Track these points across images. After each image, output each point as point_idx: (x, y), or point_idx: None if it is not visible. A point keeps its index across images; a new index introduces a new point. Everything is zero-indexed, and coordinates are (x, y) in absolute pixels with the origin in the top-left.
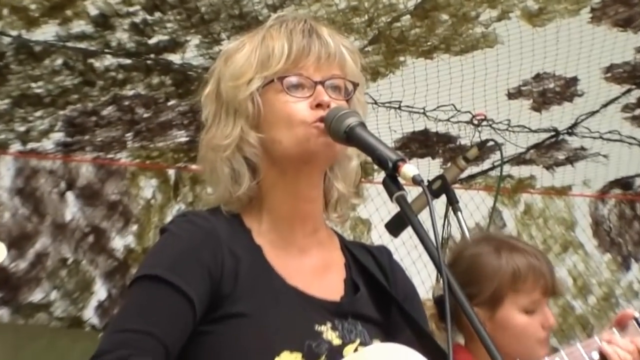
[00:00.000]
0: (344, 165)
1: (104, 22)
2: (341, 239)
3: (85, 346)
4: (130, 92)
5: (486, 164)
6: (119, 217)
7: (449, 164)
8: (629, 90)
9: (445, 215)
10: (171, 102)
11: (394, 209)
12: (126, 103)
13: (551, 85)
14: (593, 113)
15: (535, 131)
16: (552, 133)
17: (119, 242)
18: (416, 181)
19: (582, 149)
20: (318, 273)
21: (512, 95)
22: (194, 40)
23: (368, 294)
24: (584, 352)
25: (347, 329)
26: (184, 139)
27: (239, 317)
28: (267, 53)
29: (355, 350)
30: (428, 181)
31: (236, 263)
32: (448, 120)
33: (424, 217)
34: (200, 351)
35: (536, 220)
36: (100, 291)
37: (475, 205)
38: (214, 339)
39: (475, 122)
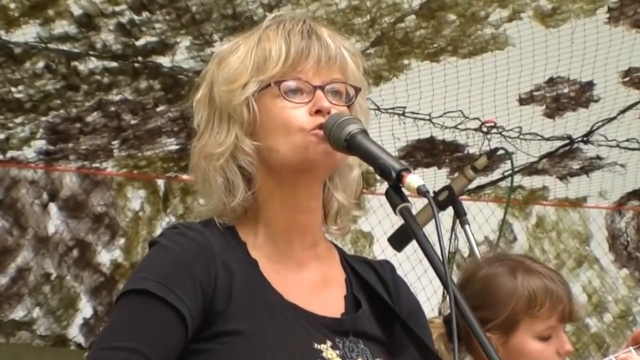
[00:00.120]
0: (344, 175)
1: (88, 22)
2: (341, 253)
3: None
4: (117, 97)
5: (496, 174)
6: (105, 230)
7: (456, 174)
8: None
9: (452, 229)
10: (160, 108)
11: (398, 221)
12: (112, 109)
13: (565, 90)
14: (610, 120)
15: (548, 139)
16: (566, 141)
17: (105, 257)
18: (421, 192)
19: (598, 158)
20: (317, 289)
21: (524, 100)
22: (185, 41)
23: (370, 310)
24: None
25: (348, 348)
26: (174, 147)
27: (234, 335)
28: (263, 55)
29: None
30: (434, 192)
31: (230, 278)
32: (455, 127)
33: (429, 230)
34: None
35: (549, 233)
36: (85, 308)
37: (484, 218)
38: (206, 358)
39: (485, 129)
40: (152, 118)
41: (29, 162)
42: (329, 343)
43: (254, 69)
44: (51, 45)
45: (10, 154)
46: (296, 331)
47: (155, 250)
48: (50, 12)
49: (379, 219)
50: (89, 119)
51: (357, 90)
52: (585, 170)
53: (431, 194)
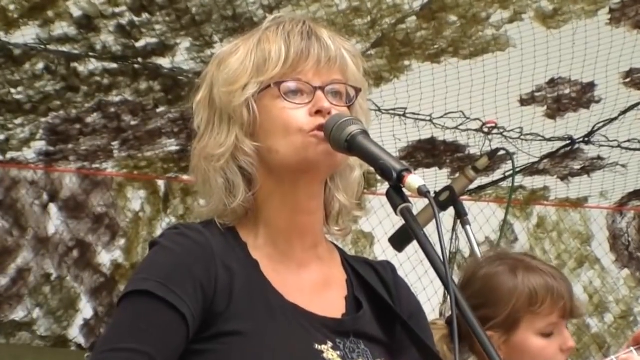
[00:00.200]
0: (345, 176)
1: (87, 23)
2: (342, 253)
3: None
4: (117, 98)
5: (497, 175)
6: (105, 230)
7: (457, 175)
8: None
9: (453, 229)
10: (160, 109)
11: (399, 222)
12: (112, 110)
13: (567, 91)
14: (611, 120)
15: (549, 140)
16: (567, 142)
17: (105, 257)
18: (422, 192)
19: (599, 158)
20: (318, 289)
21: (525, 101)
22: (185, 43)
23: (371, 311)
24: None
25: (349, 348)
26: (174, 148)
27: (234, 336)
28: (263, 57)
29: None
30: (435, 192)
31: (231, 278)
32: (456, 128)
33: (430, 230)
34: None
35: (550, 233)
36: (85, 309)
37: (485, 218)
38: (207, 359)
39: (486, 130)
40: (152, 119)
41: (29, 163)
42: (329, 344)
43: (254, 70)
44: (51, 47)
45: (10, 154)
46: (297, 332)
47: (156, 251)
48: (50, 13)
49: (380, 220)
50: (89, 120)
51: (358, 91)
52: (587, 170)
53: (432, 195)
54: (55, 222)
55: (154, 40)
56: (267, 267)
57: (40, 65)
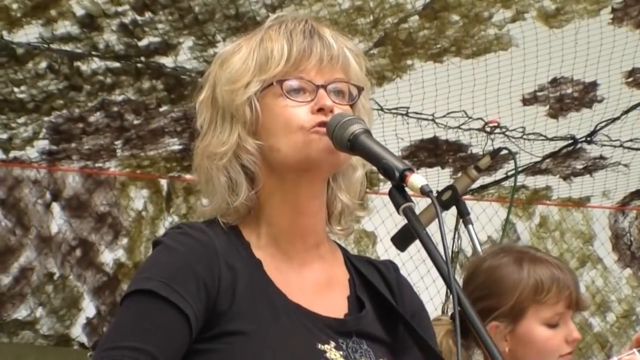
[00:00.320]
0: (348, 176)
1: (90, 22)
2: (345, 253)
3: None
4: (120, 98)
5: (499, 174)
6: (108, 229)
7: (459, 174)
8: None
9: (456, 228)
10: (163, 108)
11: (401, 221)
12: (115, 109)
13: (569, 91)
14: (613, 120)
15: (551, 139)
16: (570, 141)
17: (108, 256)
18: (424, 192)
19: (602, 158)
20: (320, 289)
21: (527, 101)
22: (187, 42)
23: (374, 311)
24: None
25: (352, 348)
26: (176, 147)
27: (237, 335)
28: (265, 55)
29: None
30: (437, 192)
31: (234, 278)
32: (459, 127)
33: (432, 230)
34: None
35: (552, 233)
36: (88, 308)
37: (487, 218)
38: (210, 358)
39: (488, 129)
40: (155, 118)
41: (32, 162)
42: (332, 344)
43: (256, 69)
44: (54, 46)
45: (13, 153)
46: (300, 332)
47: (159, 250)
48: (53, 12)
49: (382, 219)
50: (92, 119)
51: (360, 89)
52: (589, 170)
53: (434, 194)
54: (58, 221)
55: (156, 39)
56: (270, 267)
57: (43, 64)
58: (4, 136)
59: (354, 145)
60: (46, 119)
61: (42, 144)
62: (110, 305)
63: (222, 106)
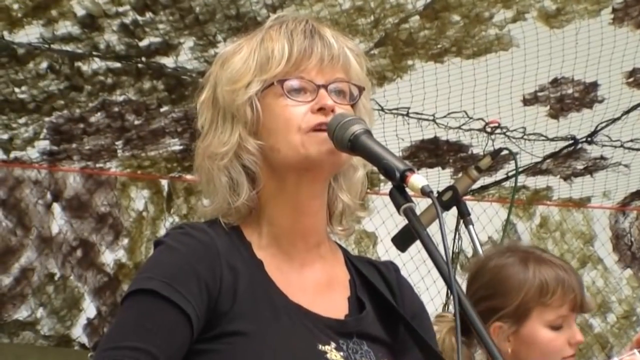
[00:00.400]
0: (349, 176)
1: (91, 22)
2: (345, 253)
3: None
4: (120, 98)
5: (500, 174)
6: (109, 230)
7: (460, 174)
8: None
9: (456, 229)
10: (164, 109)
11: (401, 221)
12: (116, 109)
13: (569, 91)
14: (614, 120)
15: (552, 139)
16: (570, 142)
17: (109, 257)
18: (425, 192)
19: (602, 158)
20: (321, 290)
21: (528, 101)
22: (188, 42)
23: (374, 312)
24: None
25: (352, 349)
26: (177, 148)
27: (238, 336)
28: (266, 55)
29: None
30: (438, 192)
31: (235, 278)
32: (459, 127)
33: (433, 230)
34: None
35: (553, 233)
36: (89, 308)
37: (488, 218)
38: (211, 359)
39: (489, 129)
40: (156, 118)
41: (33, 163)
42: (333, 344)
43: (257, 69)
44: (54, 46)
45: (14, 154)
46: (300, 332)
47: (161, 250)
48: (54, 12)
49: (383, 219)
50: (93, 119)
51: (361, 89)
52: (589, 170)
53: (435, 194)
54: (58, 222)
55: (157, 39)
56: (271, 267)
57: (44, 65)
58: (5, 136)
59: (355, 146)
60: (47, 119)
61: (43, 144)
62: (111, 305)
63: (223, 106)
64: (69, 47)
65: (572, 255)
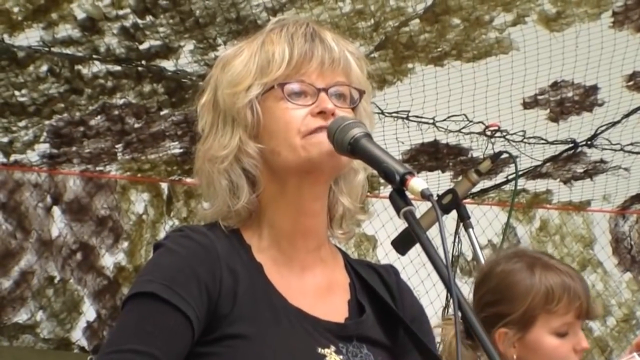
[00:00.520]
0: (349, 179)
1: (91, 26)
2: (345, 257)
3: None
4: (120, 101)
5: (500, 178)
6: (109, 233)
7: (460, 178)
8: None
9: (456, 232)
10: (164, 112)
11: (401, 225)
12: (116, 112)
13: (569, 94)
14: (614, 124)
15: (552, 143)
16: (570, 145)
17: (108, 260)
18: (425, 196)
19: (602, 161)
20: (321, 293)
21: (528, 104)
22: (188, 45)
23: (374, 315)
24: None
25: (352, 353)
26: (177, 151)
27: (238, 339)
28: (266, 58)
29: None
30: (438, 196)
31: (235, 281)
32: (459, 131)
33: (433, 233)
34: None
35: (552, 237)
36: (89, 311)
37: (487, 221)
38: None
39: (489, 133)
40: (156, 122)
41: (33, 166)
42: (332, 348)
43: (258, 72)
44: (55, 49)
45: (14, 157)
46: (300, 336)
47: (161, 253)
48: (54, 15)
49: (383, 223)
50: (93, 122)
51: (361, 93)
52: (589, 174)
53: (435, 198)
54: (58, 225)
55: (157, 42)
56: (270, 270)
57: (44, 68)
58: (5, 139)
59: (355, 149)
60: (47, 122)
61: (43, 147)
62: (111, 309)
63: (224, 109)
64: (69, 50)
65: (571, 258)
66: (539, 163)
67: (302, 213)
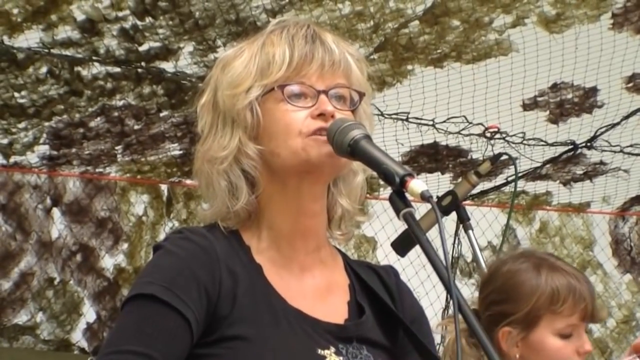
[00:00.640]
0: (348, 181)
1: (91, 27)
2: (345, 258)
3: None
4: (120, 103)
5: (499, 179)
6: (109, 234)
7: (459, 179)
8: None
9: (456, 234)
10: (163, 113)
11: (401, 226)
12: (115, 114)
13: (569, 96)
14: (613, 125)
15: (551, 144)
16: (570, 147)
17: (108, 261)
18: (425, 197)
19: (602, 163)
20: (321, 294)
21: (528, 106)
22: (188, 47)
23: (374, 316)
24: None
25: (352, 354)
26: (177, 152)
27: (237, 340)
28: (267, 60)
29: None
30: (437, 197)
31: (234, 282)
32: (459, 132)
33: (432, 235)
34: None
35: (552, 238)
36: (89, 313)
37: (487, 223)
38: None
39: (488, 134)
40: (156, 123)
41: (32, 167)
42: (332, 349)
43: (258, 73)
44: (54, 51)
45: (13, 159)
46: (300, 337)
47: (160, 255)
48: (53, 17)
49: (383, 224)
50: (92, 124)
51: (361, 95)
52: (589, 175)
53: (434, 199)
54: (58, 226)
55: (157, 44)
56: (270, 271)
57: (44, 69)
58: (5, 141)
59: (354, 151)
60: (47, 124)
61: (43, 149)
62: (111, 310)
63: (223, 110)
64: (68, 52)
65: (571, 260)
66: (538, 165)
67: (301, 214)
